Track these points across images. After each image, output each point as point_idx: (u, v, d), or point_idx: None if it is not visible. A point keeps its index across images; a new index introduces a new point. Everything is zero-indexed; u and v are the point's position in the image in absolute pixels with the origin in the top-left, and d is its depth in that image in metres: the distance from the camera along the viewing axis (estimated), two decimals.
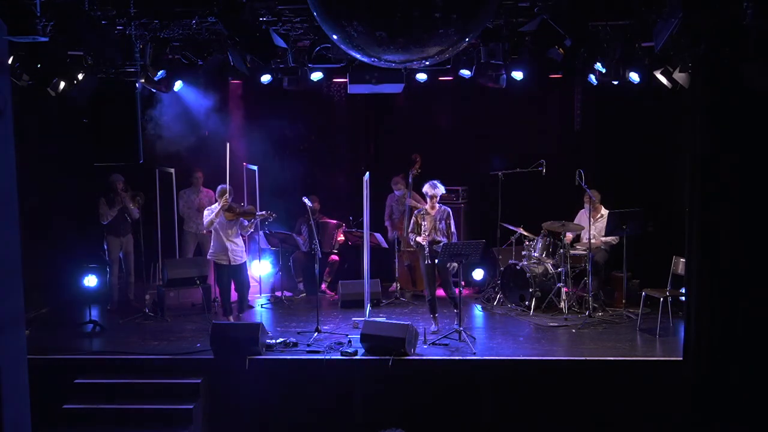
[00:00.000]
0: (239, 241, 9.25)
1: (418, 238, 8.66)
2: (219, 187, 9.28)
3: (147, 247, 10.06)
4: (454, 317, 8.63)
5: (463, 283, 8.99)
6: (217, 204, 9.15)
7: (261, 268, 10.89)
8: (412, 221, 8.86)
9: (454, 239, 8.68)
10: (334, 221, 10.93)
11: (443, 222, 8.64)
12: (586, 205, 9.81)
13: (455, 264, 8.49)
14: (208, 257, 9.44)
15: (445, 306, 9.26)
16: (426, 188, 8.70)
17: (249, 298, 9.86)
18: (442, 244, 8.43)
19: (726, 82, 6.60)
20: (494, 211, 10.37)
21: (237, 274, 9.28)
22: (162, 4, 7.24)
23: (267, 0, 7.16)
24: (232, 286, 9.40)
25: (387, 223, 10.90)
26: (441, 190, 8.67)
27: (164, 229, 10.29)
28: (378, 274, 10.31)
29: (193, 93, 10.27)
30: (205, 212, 9.23)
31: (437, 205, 8.67)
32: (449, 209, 8.84)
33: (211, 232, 9.27)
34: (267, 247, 10.86)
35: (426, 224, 8.63)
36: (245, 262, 9.46)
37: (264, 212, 9.36)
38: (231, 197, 9.20)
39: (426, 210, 8.71)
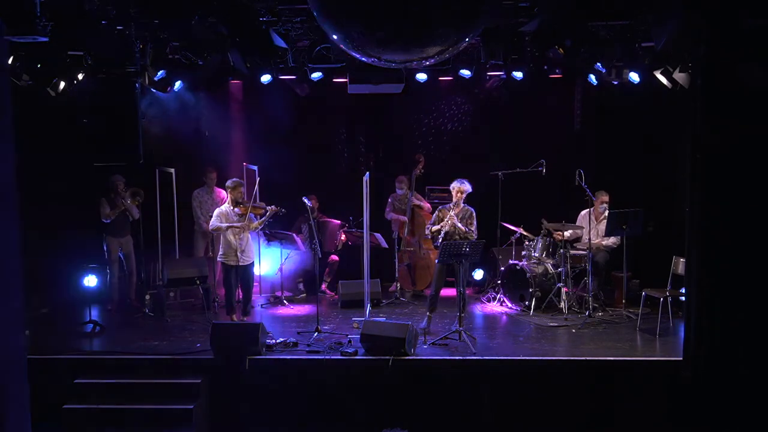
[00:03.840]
0: (249, 240, 9.17)
1: (436, 227, 8.61)
2: (231, 181, 9.16)
3: (147, 247, 10.06)
4: (454, 317, 8.63)
5: None
6: (227, 205, 9.11)
7: (263, 268, 10.87)
8: (434, 215, 8.83)
9: (473, 236, 8.62)
10: (338, 221, 10.92)
11: (464, 221, 8.60)
12: (603, 206, 9.71)
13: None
14: (218, 259, 9.39)
15: (446, 306, 9.26)
16: (453, 184, 8.67)
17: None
18: (464, 244, 8.37)
19: (726, 82, 6.60)
20: (494, 211, 10.38)
21: (245, 274, 9.21)
22: (162, 4, 7.24)
23: (267, 0, 7.17)
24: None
25: (389, 216, 10.86)
26: (466, 187, 8.61)
27: (164, 229, 10.28)
28: (378, 274, 10.31)
29: (193, 93, 10.28)
30: (215, 218, 9.07)
31: (461, 204, 8.65)
32: (472, 209, 8.75)
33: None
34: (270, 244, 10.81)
35: (447, 220, 8.59)
36: (253, 262, 9.39)
37: (274, 207, 9.26)
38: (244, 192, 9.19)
39: (450, 207, 8.69)
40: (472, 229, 8.61)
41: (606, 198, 9.76)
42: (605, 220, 9.64)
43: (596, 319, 9.17)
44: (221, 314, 9.50)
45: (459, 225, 8.53)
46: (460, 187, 8.61)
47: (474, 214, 8.70)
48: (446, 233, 8.57)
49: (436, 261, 8.75)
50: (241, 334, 7.89)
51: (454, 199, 8.64)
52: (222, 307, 9.64)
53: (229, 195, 9.13)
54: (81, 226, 10.43)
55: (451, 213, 8.54)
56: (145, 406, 7.54)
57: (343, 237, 10.95)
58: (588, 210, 9.79)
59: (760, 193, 6.69)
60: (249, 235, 9.15)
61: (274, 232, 10.40)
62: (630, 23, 7.60)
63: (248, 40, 7.12)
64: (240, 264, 9.10)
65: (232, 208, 9.09)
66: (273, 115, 10.89)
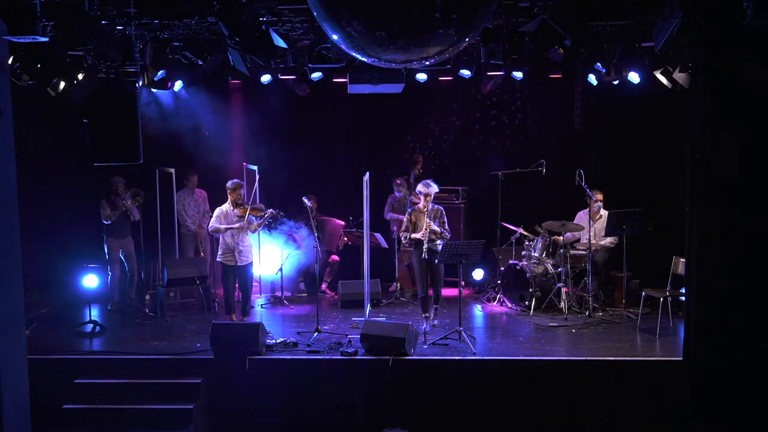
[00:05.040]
0: (247, 240, 9.19)
1: (415, 234, 8.63)
2: (231, 182, 9.19)
3: (147, 247, 10.05)
4: (453, 317, 8.63)
5: (463, 283, 8.98)
6: (227, 205, 9.10)
7: (263, 268, 10.87)
8: (405, 220, 8.85)
9: (447, 235, 8.66)
10: (341, 221, 10.91)
11: (437, 221, 8.62)
12: (597, 204, 9.72)
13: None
14: (216, 260, 9.41)
15: (445, 306, 9.24)
16: (419, 188, 8.71)
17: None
18: (438, 243, 8.41)
19: (726, 82, 6.60)
20: (494, 211, 10.38)
21: (243, 274, 9.24)
22: (162, 4, 7.23)
23: (267, 0, 7.16)
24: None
25: (388, 216, 10.86)
26: (434, 188, 8.66)
27: (164, 229, 10.28)
28: (378, 274, 10.31)
29: (193, 93, 10.27)
30: (214, 219, 9.12)
31: (430, 205, 8.66)
32: (442, 208, 8.80)
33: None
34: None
35: (420, 223, 8.62)
36: (251, 262, 9.41)
37: (273, 210, 9.29)
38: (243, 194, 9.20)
39: (419, 209, 8.69)
40: (446, 228, 8.64)
41: (600, 196, 9.76)
42: (601, 219, 9.66)
43: (596, 319, 9.16)
44: (221, 314, 9.51)
45: (436, 228, 8.55)
46: (428, 191, 8.61)
47: (443, 211, 8.74)
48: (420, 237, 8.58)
49: (415, 262, 8.75)
50: (241, 334, 7.90)
51: (423, 203, 8.63)
52: (222, 307, 9.64)
53: (228, 196, 9.14)
54: (81, 226, 10.44)
55: (427, 220, 8.55)
56: (145, 406, 7.55)
57: (344, 237, 10.95)
58: (585, 210, 9.79)
59: (760, 193, 6.69)
60: (248, 236, 9.16)
61: (276, 233, 10.41)
62: (630, 23, 7.59)
63: (248, 40, 7.11)
64: (238, 264, 9.12)
65: (231, 208, 9.11)
66: (273, 115, 10.89)
